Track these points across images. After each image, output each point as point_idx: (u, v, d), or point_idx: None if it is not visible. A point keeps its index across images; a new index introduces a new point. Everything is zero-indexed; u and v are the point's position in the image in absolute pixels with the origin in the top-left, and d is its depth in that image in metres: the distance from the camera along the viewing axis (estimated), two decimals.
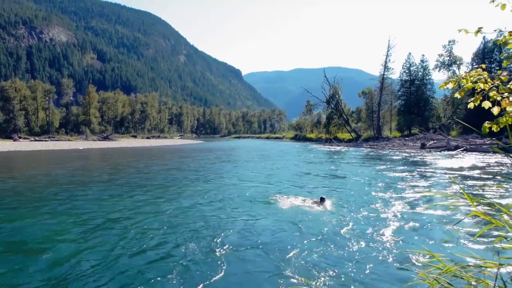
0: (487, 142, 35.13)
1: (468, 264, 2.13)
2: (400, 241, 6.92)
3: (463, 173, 18.43)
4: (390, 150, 42.37)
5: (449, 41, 66.55)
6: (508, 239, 2.11)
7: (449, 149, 37.54)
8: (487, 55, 57.73)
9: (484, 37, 58.50)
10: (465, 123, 3.17)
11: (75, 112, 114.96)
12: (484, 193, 12.05)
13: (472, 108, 4.20)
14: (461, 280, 2.14)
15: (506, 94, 3.81)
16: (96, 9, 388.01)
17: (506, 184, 13.01)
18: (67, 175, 18.54)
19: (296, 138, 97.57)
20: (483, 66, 3.83)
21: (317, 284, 4.93)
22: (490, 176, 16.76)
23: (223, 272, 5.56)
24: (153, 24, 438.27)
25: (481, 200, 2.13)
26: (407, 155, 33.58)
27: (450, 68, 65.28)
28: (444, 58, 66.93)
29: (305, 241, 7.02)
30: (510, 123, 3.66)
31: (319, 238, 7.29)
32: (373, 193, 12.47)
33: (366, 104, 79.05)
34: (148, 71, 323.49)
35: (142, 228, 8.27)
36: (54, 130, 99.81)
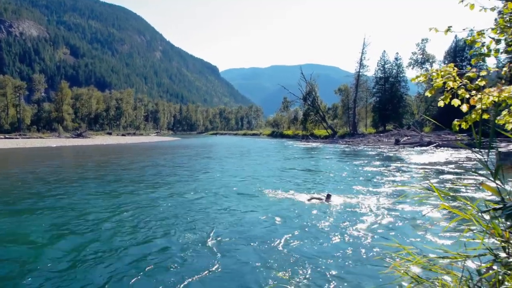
0: (459, 138, 36.19)
1: (437, 256, 2.21)
2: (375, 235, 7.07)
3: (434, 168, 18.94)
4: (365, 146, 43.07)
5: (422, 40, 68.22)
6: (474, 231, 2.20)
7: (422, 145, 38.44)
8: (459, 53, 59.32)
9: (455, 36, 60.19)
10: (433, 120, 3.27)
11: (47, 109, 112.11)
12: (453, 187, 12.42)
13: (442, 105, 4.34)
14: (430, 271, 2.22)
15: (474, 92, 3.95)
16: (69, 3, 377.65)
17: (473, 178, 13.44)
18: (29, 177, 18.09)
19: (273, 135, 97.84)
20: (452, 65, 3.95)
21: (295, 277, 5.00)
22: (460, 171, 17.28)
23: (212, 264, 5.64)
24: (128, 19, 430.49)
25: (450, 194, 2.21)
26: (382, 151, 34.23)
27: (423, 66, 66.88)
28: (417, 56, 68.57)
29: (283, 234, 7.09)
30: (478, 120, 3.80)
31: (298, 231, 7.37)
32: (349, 188, 12.67)
33: (342, 101, 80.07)
34: (123, 67, 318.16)
35: (133, 223, 8.39)
36: (25, 127, 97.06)
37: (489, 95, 3.70)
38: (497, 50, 3.82)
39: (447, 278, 2.17)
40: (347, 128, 72.37)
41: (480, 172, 2.10)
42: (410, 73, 70.83)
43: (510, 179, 1.86)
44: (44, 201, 11.14)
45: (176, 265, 5.73)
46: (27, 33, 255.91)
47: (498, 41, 3.78)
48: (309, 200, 10.59)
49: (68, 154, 35.70)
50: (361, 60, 70.72)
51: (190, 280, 5.08)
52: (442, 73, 4.00)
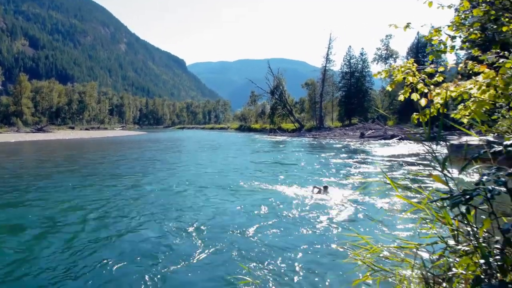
0: (420, 132, 37.46)
1: (392, 245, 2.30)
2: (338, 225, 7.23)
3: (396, 160, 19.51)
4: (331, 139, 43.80)
5: (386, 36, 69.91)
6: (427, 220, 2.30)
7: (385, 138, 39.48)
8: (421, 49, 61.09)
9: (418, 32, 61.92)
10: (386, 114, 3.37)
11: (4, 103, 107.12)
12: (410, 177, 12.88)
13: (402, 100, 4.48)
14: (387, 260, 2.31)
15: (432, 86, 4.09)
16: None
17: (428, 170, 13.92)
18: None
19: (241, 129, 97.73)
20: (411, 61, 4.08)
21: (258, 269, 5.04)
22: (420, 162, 17.89)
23: (188, 254, 5.69)
24: (91, 11, 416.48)
25: (404, 186, 2.30)
26: (348, 144, 34.91)
27: (387, 61, 68.58)
28: (381, 52, 70.26)
29: (254, 225, 7.15)
30: (435, 114, 3.95)
31: (268, 222, 7.43)
32: (316, 180, 12.85)
33: (309, 95, 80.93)
34: (86, 60, 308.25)
35: (111, 215, 8.48)
36: None
37: (446, 90, 3.84)
38: (452, 47, 3.98)
39: (402, 266, 2.27)
40: (314, 122, 73.29)
41: (433, 163, 2.19)
42: (375, 68, 72.60)
43: (463, 170, 1.95)
44: (18, 196, 10.88)
45: (157, 253, 5.91)
46: None
47: (453, 38, 3.93)
48: (306, 191, 10.69)
49: (30, 150, 34.33)
50: (327, 55, 71.75)
51: (166, 269, 5.05)
52: (403, 69, 4.13)
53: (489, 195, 1.61)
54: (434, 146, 2.16)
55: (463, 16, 3.92)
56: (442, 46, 4.04)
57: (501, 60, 3.47)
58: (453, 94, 3.87)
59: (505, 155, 1.70)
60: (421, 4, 3.98)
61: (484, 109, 3.62)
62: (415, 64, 4.12)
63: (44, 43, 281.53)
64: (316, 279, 4.78)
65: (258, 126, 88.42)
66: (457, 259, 2.00)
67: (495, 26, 3.57)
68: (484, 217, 1.82)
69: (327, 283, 4.62)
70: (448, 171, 2.01)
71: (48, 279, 5.04)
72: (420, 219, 2.39)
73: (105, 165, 19.43)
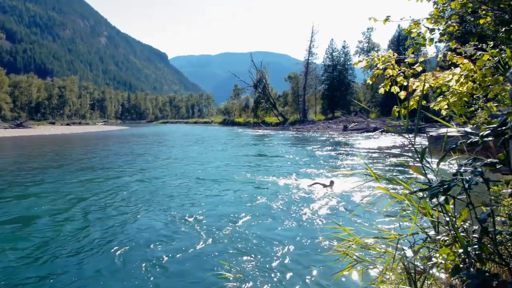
0: (401, 124, 37.98)
1: (374, 237, 2.32)
2: (322, 217, 7.29)
3: (378, 152, 19.78)
4: (315, 132, 44.05)
5: (368, 29, 70.56)
6: (407, 211, 2.33)
7: (368, 131, 39.91)
8: (402, 42, 61.75)
9: (399, 26, 62.60)
10: (367, 107, 3.40)
11: None
12: (392, 169, 13.06)
13: (383, 93, 4.52)
14: (369, 251, 2.33)
15: (412, 79, 4.14)
16: None
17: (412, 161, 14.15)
18: None
19: (224, 123, 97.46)
20: (391, 53, 4.11)
21: (242, 262, 5.05)
22: (400, 154, 18.16)
23: (181, 245, 5.83)
24: (70, 3, 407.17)
25: (385, 177, 2.33)
26: (331, 137, 35.18)
27: (369, 54, 68.98)
28: (363, 45, 70.90)
29: (245, 217, 7.16)
30: (415, 107, 3.99)
31: (256, 215, 7.45)
32: (300, 172, 12.92)
33: (292, 88, 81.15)
34: (66, 54, 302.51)
35: (116, 207, 8.65)
36: None
37: (425, 82, 3.89)
38: (431, 40, 4.01)
39: (384, 257, 2.29)
40: (298, 115, 73.60)
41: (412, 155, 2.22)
42: (356, 61, 73.30)
43: (443, 162, 1.98)
44: (20, 190, 10.90)
45: (155, 241, 6.13)
46: None
47: (432, 31, 3.97)
48: (310, 185, 10.60)
49: (13, 145, 33.51)
50: (310, 48, 71.96)
51: (162, 260, 5.02)
52: (383, 58, 4.16)
53: (466, 185, 1.63)
54: (413, 138, 2.18)
55: (441, 8, 3.95)
56: (421, 39, 4.08)
57: (479, 53, 3.52)
58: (433, 86, 3.92)
59: (481, 145, 1.73)
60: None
61: (462, 102, 3.68)
62: (395, 54, 4.16)
63: (21, 37, 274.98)
64: (299, 272, 4.81)
65: (242, 120, 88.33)
66: (437, 248, 2.03)
67: (472, 19, 3.61)
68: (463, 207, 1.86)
69: (310, 276, 4.66)
70: (428, 162, 2.04)
71: (62, 266, 5.22)
72: (401, 210, 2.42)
73: (95, 159, 19.24)
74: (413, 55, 4.08)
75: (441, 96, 4.04)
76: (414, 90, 4.08)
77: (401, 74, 4.03)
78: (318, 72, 76.40)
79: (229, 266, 4.54)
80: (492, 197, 2.30)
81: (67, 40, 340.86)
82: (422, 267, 2.18)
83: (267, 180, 11.85)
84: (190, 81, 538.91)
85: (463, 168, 1.71)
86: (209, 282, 4.59)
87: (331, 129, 46.82)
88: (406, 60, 4.06)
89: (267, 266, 5.02)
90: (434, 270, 2.16)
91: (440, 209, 2.00)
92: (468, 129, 3.51)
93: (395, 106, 3.85)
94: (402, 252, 2.18)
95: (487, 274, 1.46)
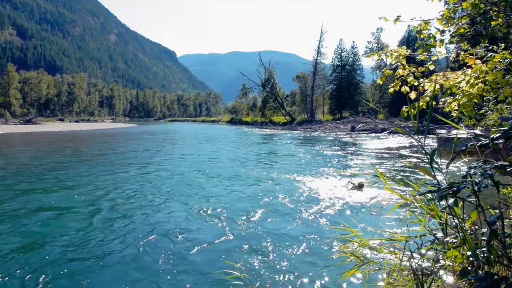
0: (410, 125, 37.76)
1: (382, 238, 2.31)
2: (329, 217, 7.28)
3: (386, 153, 19.66)
4: (323, 132, 43.92)
5: (377, 29, 70.22)
6: (416, 213, 2.32)
7: (376, 132, 39.70)
8: (411, 43, 61.30)
9: (408, 26, 62.27)
10: (375, 107, 3.38)
11: None
12: (400, 171, 12.98)
13: (392, 93, 4.51)
14: (376, 252, 2.33)
15: (422, 79, 4.12)
16: None
17: (417, 163, 14.04)
18: None
19: (232, 122, 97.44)
20: (404, 47, 4.10)
21: (251, 261, 5.07)
22: (409, 155, 18.04)
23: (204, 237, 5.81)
24: (80, 0, 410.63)
25: (396, 178, 2.32)
26: (339, 137, 35.06)
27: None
28: (372, 45, 70.49)
29: (257, 213, 7.17)
30: (425, 108, 3.97)
31: (272, 212, 7.48)
32: (310, 172, 12.90)
33: (300, 88, 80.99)
34: (75, 51, 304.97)
35: (139, 200, 8.99)
36: None
37: (435, 82, 3.87)
38: (441, 41, 3.99)
39: (392, 258, 2.29)
40: (305, 115, 73.41)
41: (422, 157, 2.21)
42: (366, 62, 72.90)
43: (452, 163, 1.97)
44: (40, 183, 11.19)
45: (169, 234, 6.42)
46: None
47: (442, 32, 3.95)
48: (345, 186, 10.45)
49: (26, 141, 33.82)
50: (318, 47, 71.74)
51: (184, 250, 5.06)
52: (396, 53, 4.16)
53: (476, 187, 1.63)
54: (423, 140, 2.17)
55: (452, 9, 3.93)
56: (431, 40, 4.06)
57: (489, 54, 3.49)
58: (443, 86, 3.90)
59: (491, 148, 1.72)
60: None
61: (472, 103, 3.66)
62: (408, 50, 4.15)
63: (32, 33, 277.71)
64: (305, 271, 4.81)
65: (249, 119, 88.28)
66: (445, 250, 2.02)
67: (483, 21, 3.58)
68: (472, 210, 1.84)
69: (315, 276, 4.65)
70: (437, 164, 2.03)
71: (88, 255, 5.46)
72: (409, 212, 2.41)
73: (114, 156, 19.53)
74: (425, 53, 4.07)
75: (451, 97, 4.01)
76: (424, 91, 4.06)
77: (411, 74, 4.02)
78: (326, 72, 76.18)
79: (236, 264, 4.56)
80: (502, 200, 2.28)
81: (77, 37, 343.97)
82: (429, 269, 2.17)
83: (281, 178, 11.94)
84: (198, 80, 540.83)
85: (472, 170, 1.70)
86: (214, 279, 4.61)
87: (339, 129, 46.65)
88: (417, 58, 4.05)
89: (273, 264, 5.02)
90: (442, 272, 2.15)
91: (448, 211, 1.99)
92: (477, 131, 3.49)
93: (404, 106, 3.84)
94: (410, 254, 2.17)
95: (495, 277, 1.45)
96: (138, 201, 8.89)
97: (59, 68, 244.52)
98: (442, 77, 4.05)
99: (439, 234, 2.16)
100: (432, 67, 4.04)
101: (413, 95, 4.01)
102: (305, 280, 4.55)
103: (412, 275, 2.19)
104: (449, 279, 2.20)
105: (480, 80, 3.53)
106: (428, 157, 1.99)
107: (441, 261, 2.00)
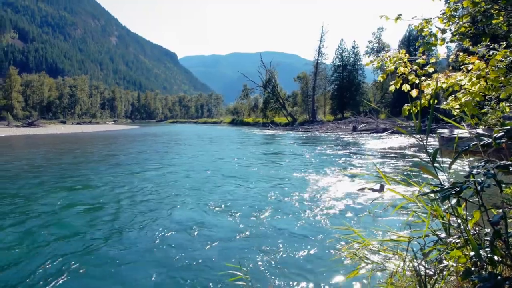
0: (411, 125, 37.64)
1: (384, 239, 2.30)
2: (332, 218, 7.26)
3: (388, 153, 19.63)
4: (324, 133, 43.88)
5: (378, 29, 70.08)
6: (419, 213, 2.30)
7: (378, 131, 39.61)
8: (412, 42, 61.15)
9: (409, 25, 62.19)
10: (377, 107, 3.36)
11: None
12: (402, 171, 12.95)
13: (393, 91, 4.48)
14: (378, 253, 2.31)
15: (423, 78, 4.09)
16: None
17: (419, 163, 13.98)
18: None
19: (233, 123, 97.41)
20: (403, 51, 4.07)
21: (254, 261, 5.06)
22: (411, 155, 18.00)
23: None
24: (81, 2, 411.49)
25: (398, 179, 2.30)
26: (340, 137, 35.01)
27: (379, 54, 68.55)
28: (373, 45, 70.41)
29: (264, 212, 7.19)
30: (426, 106, 3.95)
31: (272, 211, 7.50)
32: (313, 171, 12.88)
33: (302, 88, 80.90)
34: (77, 53, 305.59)
35: (151, 198, 9.34)
36: None
37: (437, 81, 3.85)
38: (443, 40, 3.97)
39: (395, 259, 2.27)
40: (307, 116, 73.34)
41: (424, 156, 2.19)
42: (367, 61, 72.86)
43: (453, 163, 1.95)
44: (55, 184, 11.20)
45: (179, 231, 6.65)
46: None
47: (443, 32, 3.92)
48: (360, 189, 9.92)
49: (30, 144, 33.86)
50: (319, 48, 71.71)
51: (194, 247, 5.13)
52: (394, 59, 4.13)
53: (478, 187, 1.61)
54: (425, 139, 2.15)
55: (453, 7, 3.91)
56: (432, 38, 4.03)
57: (491, 52, 3.47)
58: (444, 86, 3.88)
59: (494, 147, 1.70)
60: None
61: (474, 101, 3.63)
62: (406, 54, 4.13)
63: (33, 36, 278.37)
64: (309, 271, 4.80)
65: (251, 120, 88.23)
66: (448, 251, 2.00)
67: (484, 19, 3.56)
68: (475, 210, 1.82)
69: (318, 276, 4.64)
70: (439, 164, 2.01)
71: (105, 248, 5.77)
72: (412, 212, 2.40)
73: (121, 157, 19.80)
74: (424, 56, 4.04)
75: (453, 95, 3.99)
76: (424, 89, 4.04)
77: (413, 72, 4.00)
78: (327, 73, 76.10)
79: (240, 267, 4.55)
80: (505, 200, 2.27)
81: (78, 40, 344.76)
82: (432, 269, 2.15)
83: (286, 178, 12.07)
84: (199, 81, 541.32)
85: (475, 170, 1.68)
86: (216, 279, 4.60)
87: (340, 130, 46.59)
88: (417, 61, 4.02)
89: (276, 264, 5.01)
90: (445, 272, 2.14)
91: (451, 211, 1.98)
92: (480, 130, 3.47)
93: (405, 104, 3.82)
94: (413, 254, 2.16)
95: (499, 277, 1.44)
96: (156, 199, 9.18)
97: (61, 70, 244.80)
98: (444, 75, 4.03)
99: (442, 235, 2.15)
100: (431, 70, 4.02)
101: (414, 93, 3.99)
102: (307, 280, 4.53)
103: (415, 275, 2.18)
104: (452, 279, 2.18)
105: (482, 79, 3.51)
106: (431, 157, 1.97)
107: (444, 261, 1.98)
